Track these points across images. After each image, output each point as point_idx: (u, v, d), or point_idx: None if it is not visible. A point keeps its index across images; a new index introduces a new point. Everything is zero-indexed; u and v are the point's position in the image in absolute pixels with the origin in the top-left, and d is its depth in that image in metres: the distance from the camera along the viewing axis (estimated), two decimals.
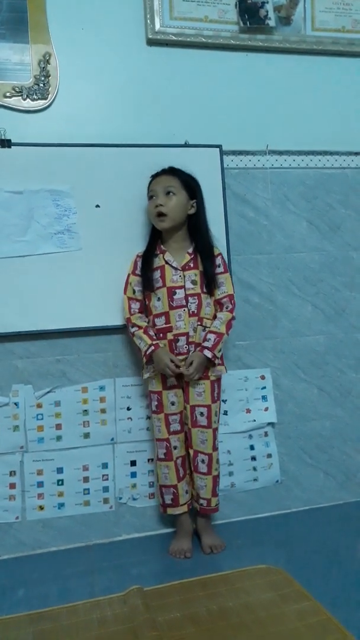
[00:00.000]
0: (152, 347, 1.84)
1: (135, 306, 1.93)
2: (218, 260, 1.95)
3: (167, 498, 1.93)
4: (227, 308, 1.94)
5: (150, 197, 1.91)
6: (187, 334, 1.87)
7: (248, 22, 2.14)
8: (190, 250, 1.93)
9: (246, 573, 1.69)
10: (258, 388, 2.19)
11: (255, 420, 2.17)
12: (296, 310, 2.25)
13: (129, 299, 1.93)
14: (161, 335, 1.89)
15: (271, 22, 2.16)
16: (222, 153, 2.12)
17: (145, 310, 1.95)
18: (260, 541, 1.97)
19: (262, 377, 2.20)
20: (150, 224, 1.99)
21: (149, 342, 1.85)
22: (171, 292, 1.88)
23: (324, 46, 2.26)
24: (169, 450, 1.91)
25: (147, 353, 1.85)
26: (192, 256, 1.93)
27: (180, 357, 1.87)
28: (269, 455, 2.19)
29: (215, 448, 1.92)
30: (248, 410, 2.17)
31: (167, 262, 1.90)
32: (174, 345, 1.88)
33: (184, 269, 1.91)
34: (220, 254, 1.97)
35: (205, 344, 1.87)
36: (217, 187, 2.10)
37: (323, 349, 2.28)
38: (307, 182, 2.25)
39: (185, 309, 1.88)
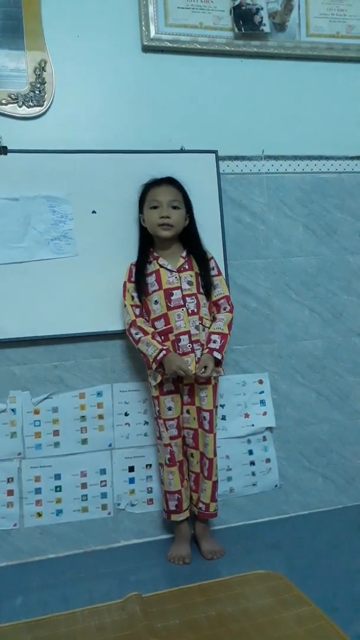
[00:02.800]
0: (164, 352, 1.83)
1: (137, 311, 1.93)
2: (212, 264, 1.97)
3: (171, 504, 1.92)
4: (225, 309, 1.95)
5: (152, 207, 1.91)
6: (188, 332, 1.88)
7: (243, 29, 2.15)
8: (184, 254, 1.95)
9: (245, 578, 1.68)
10: (256, 392, 2.19)
11: (253, 425, 2.17)
12: (293, 314, 2.25)
13: (131, 305, 1.93)
14: (163, 337, 1.89)
15: (266, 28, 2.18)
16: (218, 158, 2.13)
17: (143, 316, 1.95)
18: (259, 546, 1.96)
19: (260, 382, 2.20)
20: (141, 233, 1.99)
21: (159, 347, 1.84)
22: (168, 293, 1.89)
23: (319, 52, 2.27)
24: (172, 455, 1.91)
25: (158, 358, 1.84)
26: (185, 259, 1.94)
27: (185, 357, 1.86)
28: (268, 460, 2.19)
29: (215, 453, 1.92)
30: (246, 415, 2.17)
31: (161, 266, 1.91)
32: (176, 345, 1.88)
33: (179, 270, 1.92)
34: (212, 257, 1.99)
35: (213, 345, 1.87)
36: (213, 192, 2.11)
37: (321, 353, 2.28)
38: (303, 186, 2.26)
39: (184, 308, 1.88)
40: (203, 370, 1.84)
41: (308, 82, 2.29)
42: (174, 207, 1.90)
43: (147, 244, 1.98)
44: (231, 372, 2.15)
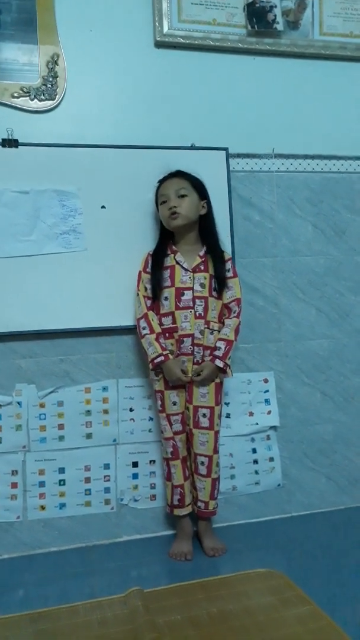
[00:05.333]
0: (162, 358, 1.85)
1: (148, 303, 1.93)
2: (228, 265, 1.96)
3: (175, 498, 1.92)
4: (234, 313, 1.94)
5: (162, 202, 1.92)
6: (192, 335, 1.88)
7: (256, 26, 2.15)
8: (202, 253, 1.94)
9: (247, 577, 1.68)
10: (261, 391, 2.19)
11: (257, 424, 2.17)
12: (300, 314, 2.24)
13: (144, 297, 1.93)
14: (167, 335, 1.90)
15: (279, 26, 2.17)
16: (229, 156, 2.12)
17: (154, 309, 1.95)
18: (261, 545, 1.97)
19: (265, 381, 2.20)
20: (159, 226, 2.01)
21: (160, 351, 1.85)
22: (179, 292, 1.89)
23: (332, 51, 2.26)
24: (175, 448, 1.91)
25: (156, 361, 1.85)
26: (202, 259, 1.93)
27: (185, 358, 1.88)
28: (271, 459, 2.19)
29: (216, 451, 1.92)
30: (251, 414, 2.17)
31: (177, 263, 1.91)
32: (179, 345, 1.88)
33: (194, 270, 1.91)
34: (230, 258, 1.98)
35: (217, 352, 1.87)
36: (223, 189, 2.10)
37: (326, 353, 2.27)
38: (313, 186, 2.26)
39: (192, 310, 1.88)
40: (198, 376, 1.86)
41: (320, 81, 2.28)
42: (182, 196, 1.89)
43: (167, 237, 1.97)
44: (236, 371, 2.15)
